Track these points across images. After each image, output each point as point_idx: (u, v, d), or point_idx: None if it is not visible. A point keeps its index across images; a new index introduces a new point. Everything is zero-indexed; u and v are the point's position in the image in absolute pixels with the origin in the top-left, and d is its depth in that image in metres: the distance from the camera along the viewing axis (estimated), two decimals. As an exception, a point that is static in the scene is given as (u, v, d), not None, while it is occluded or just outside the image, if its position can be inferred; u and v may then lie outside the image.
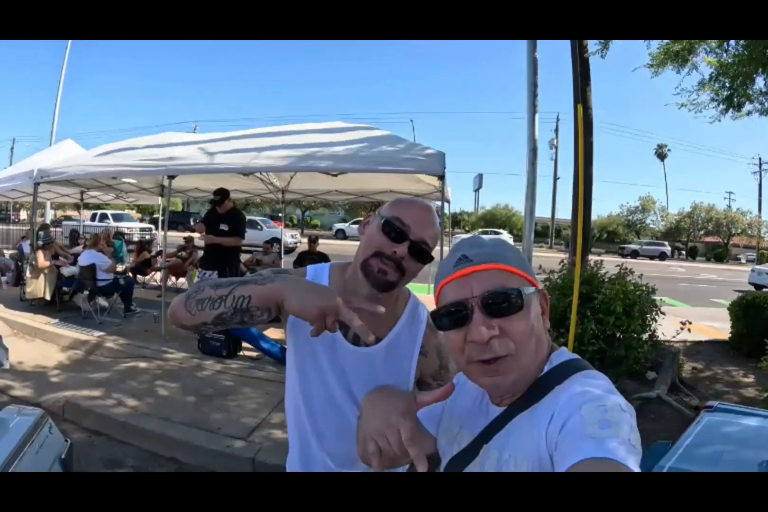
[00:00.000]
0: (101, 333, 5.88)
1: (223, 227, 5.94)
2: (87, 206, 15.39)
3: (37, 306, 7.03)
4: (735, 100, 6.24)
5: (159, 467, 3.33)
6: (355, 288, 1.14)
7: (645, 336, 4.84)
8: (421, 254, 1.10)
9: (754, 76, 6.06)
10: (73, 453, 2.31)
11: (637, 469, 0.59)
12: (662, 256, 33.31)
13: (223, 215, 5.98)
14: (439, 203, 7.30)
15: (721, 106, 6.51)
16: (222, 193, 6.00)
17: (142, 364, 4.96)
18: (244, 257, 9.21)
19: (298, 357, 1.23)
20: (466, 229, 41.48)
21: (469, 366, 0.79)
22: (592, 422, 0.65)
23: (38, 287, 6.87)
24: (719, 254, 39.29)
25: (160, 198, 10.83)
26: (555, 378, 0.79)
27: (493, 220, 41.64)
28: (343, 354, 1.19)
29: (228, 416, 3.88)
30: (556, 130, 34.18)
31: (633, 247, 34.79)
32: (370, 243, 1.12)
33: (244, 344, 5.47)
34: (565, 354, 0.85)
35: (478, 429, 0.85)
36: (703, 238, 41.34)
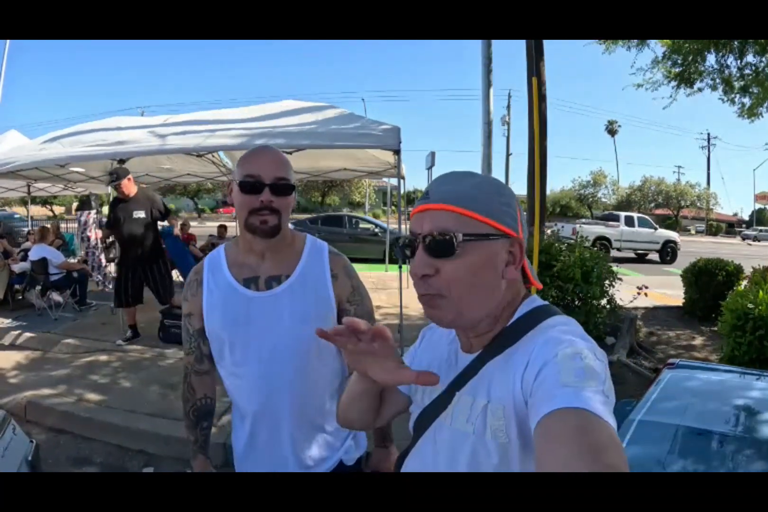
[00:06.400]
0: (58, 330, 5.66)
1: (139, 214, 4.94)
2: (34, 200, 14.60)
3: (-12, 306, 6.68)
4: (686, 75, 6.39)
5: (128, 460, 3.24)
6: (250, 250, 1.28)
7: (603, 301, 4.98)
8: (284, 189, 1.21)
9: (706, 53, 6.23)
10: (39, 453, 2.23)
11: (610, 419, 0.60)
12: None
13: (133, 200, 4.95)
14: (393, 181, 7.18)
15: (674, 83, 6.67)
16: (116, 172, 4.82)
17: (103, 358, 4.80)
18: (199, 243, 8.95)
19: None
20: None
21: (418, 297, 0.82)
22: (567, 370, 0.65)
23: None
24: (669, 225, 40.74)
25: (109, 186, 10.40)
26: (526, 323, 0.80)
27: (446, 196, 41.62)
28: (248, 303, 1.26)
29: (196, 404, 3.80)
30: (508, 107, 34.25)
31: (752, 233, 37.23)
32: (240, 206, 1.21)
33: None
34: (536, 301, 0.85)
35: (449, 379, 0.85)
36: (654, 211, 42.43)
